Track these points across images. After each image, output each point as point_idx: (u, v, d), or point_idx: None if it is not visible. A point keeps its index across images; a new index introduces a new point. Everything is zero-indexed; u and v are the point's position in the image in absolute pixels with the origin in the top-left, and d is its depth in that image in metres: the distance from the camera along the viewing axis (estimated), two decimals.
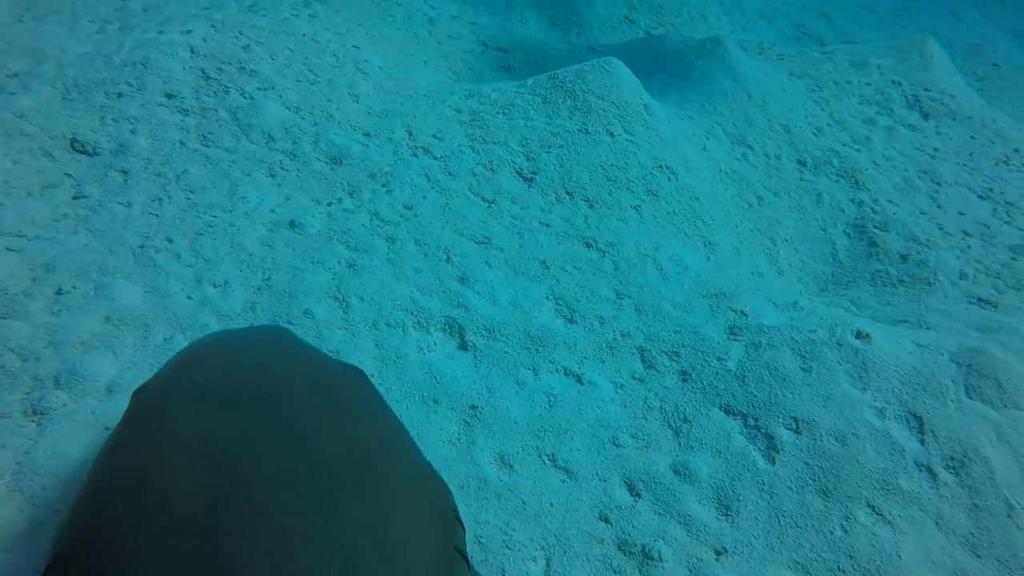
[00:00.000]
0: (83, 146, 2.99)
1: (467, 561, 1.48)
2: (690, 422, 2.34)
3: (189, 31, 3.81)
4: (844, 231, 4.26)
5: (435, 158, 3.50)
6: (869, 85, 5.08)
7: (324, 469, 1.30)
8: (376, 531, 1.26)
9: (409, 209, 3.13)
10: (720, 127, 4.74)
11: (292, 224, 2.87)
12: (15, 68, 3.43)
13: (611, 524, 2.01)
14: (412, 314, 2.57)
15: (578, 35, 7.06)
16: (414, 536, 1.34)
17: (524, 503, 2.02)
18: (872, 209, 4.07)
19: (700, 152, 4.38)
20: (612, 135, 3.85)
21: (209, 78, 3.54)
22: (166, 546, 1.16)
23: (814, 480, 2.13)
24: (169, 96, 3.35)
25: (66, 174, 2.89)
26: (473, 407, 2.28)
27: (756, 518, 2.05)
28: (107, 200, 2.80)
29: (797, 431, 2.26)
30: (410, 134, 3.62)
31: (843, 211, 4.34)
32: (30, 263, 2.41)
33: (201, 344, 1.62)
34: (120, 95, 3.28)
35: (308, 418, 1.39)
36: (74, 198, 2.81)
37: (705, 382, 2.47)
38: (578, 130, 3.83)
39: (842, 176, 4.51)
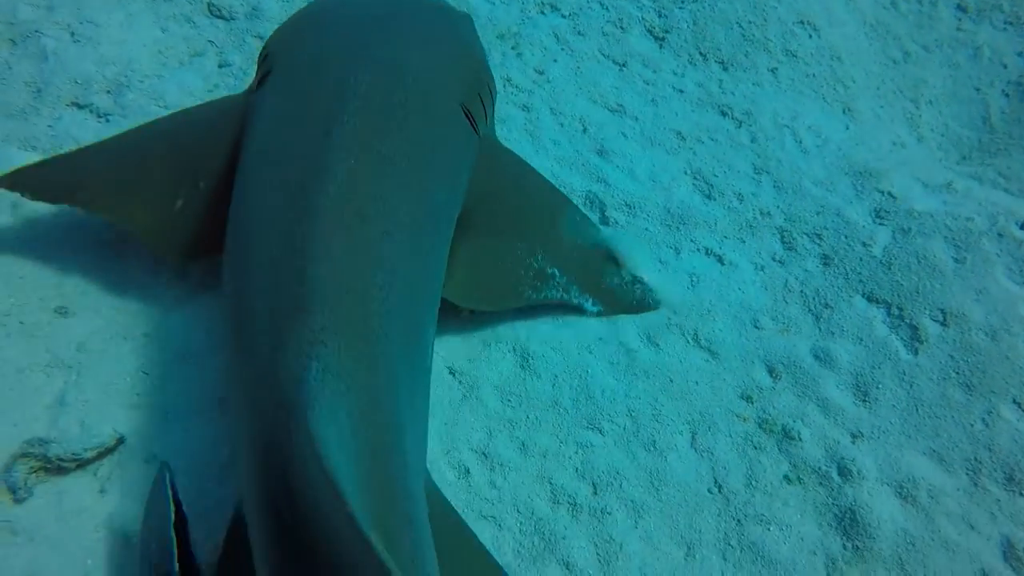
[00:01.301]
0: (219, 11, 3.00)
1: (474, 127, 2.05)
2: (831, 308, 2.36)
3: None
4: (1003, 91, 3.86)
5: (563, 16, 3.34)
6: None
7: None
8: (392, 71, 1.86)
9: (541, 74, 3.05)
10: None
11: None
12: None
13: (752, 403, 2.12)
14: None
15: None
16: (428, 92, 1.90)
17: (671, 380, 2.15)
18: None
19: (844, 2, 3.98)
20: None
21: None
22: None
23: (958, 373, 2.15)
24: None
25: (209, 41, 2.93)
26: None
27: (894, 406, 2.12)
28: (248, 67, 2.85)
29: (944, 323, 2.25)
30: None
31: (1005, 67, 3.90)
32: None
33: None
34: None
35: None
36: (220, 67, 2.87)
37: (848, 267, 2.45)
38: None
39: (1011, 23, 3.98)
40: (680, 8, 3.43)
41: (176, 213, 2.02)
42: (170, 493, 1.46)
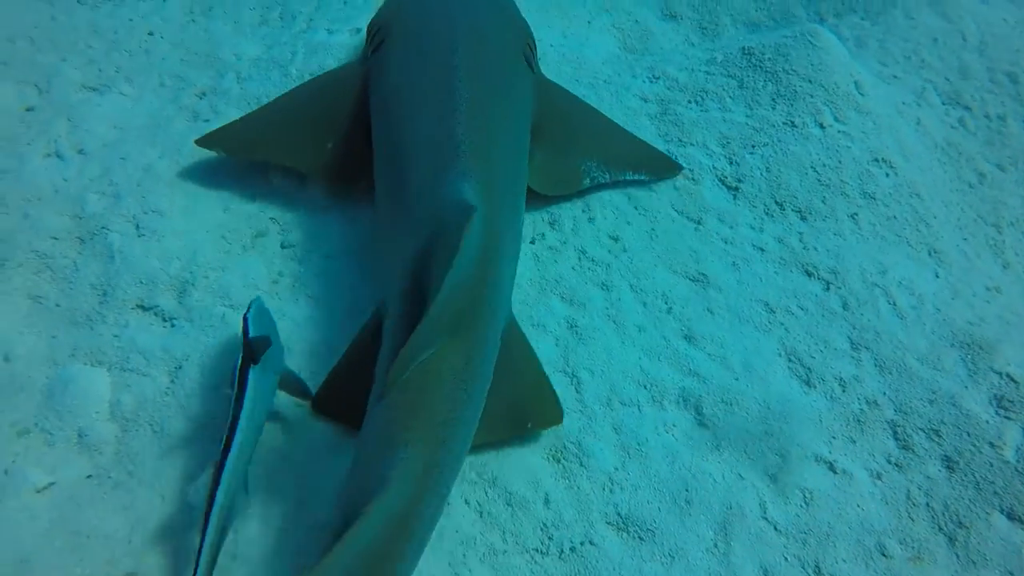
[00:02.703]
0: (282, 184, 2.93)
1: (531, 68, 2.96)
2: (967, 528, 2.13)
3: (358, 30, 3.59)
4: None
5: None
6: None
7: None
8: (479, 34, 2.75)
9: (616, 241, 2.91)
10: (931, 85, 4.11)
11: None
12: (201, 86, 3.37)
13: None
14: (645, 387, 2.42)
15: None
16: (500, 45, 2.84)
17: None
18: None
19: (914, 129, 3.83)
20: (822, 127, 3.41)
21: None
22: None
23: None
24: None
25: (271, 219, 2.85)
26: (728, 507, 2.15)
27: None
28: (312, 247, 2.75)
29: None
30: None
31: None
32: None
33: None
34: None
35: None
36: (282, 247, 2.77)
37: (977, 475, 2.23)
38: (783, 123, 3.41)
39: None
40: (751, 153, 3.30)
41: (329, 152, 2.81)
42: (252, 308, 2.19)
